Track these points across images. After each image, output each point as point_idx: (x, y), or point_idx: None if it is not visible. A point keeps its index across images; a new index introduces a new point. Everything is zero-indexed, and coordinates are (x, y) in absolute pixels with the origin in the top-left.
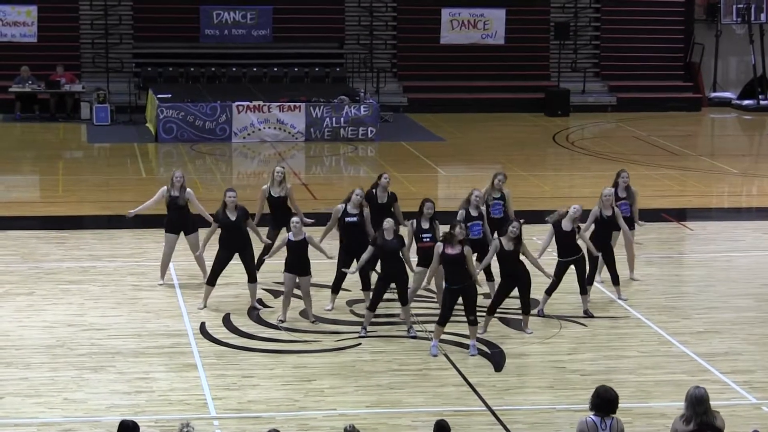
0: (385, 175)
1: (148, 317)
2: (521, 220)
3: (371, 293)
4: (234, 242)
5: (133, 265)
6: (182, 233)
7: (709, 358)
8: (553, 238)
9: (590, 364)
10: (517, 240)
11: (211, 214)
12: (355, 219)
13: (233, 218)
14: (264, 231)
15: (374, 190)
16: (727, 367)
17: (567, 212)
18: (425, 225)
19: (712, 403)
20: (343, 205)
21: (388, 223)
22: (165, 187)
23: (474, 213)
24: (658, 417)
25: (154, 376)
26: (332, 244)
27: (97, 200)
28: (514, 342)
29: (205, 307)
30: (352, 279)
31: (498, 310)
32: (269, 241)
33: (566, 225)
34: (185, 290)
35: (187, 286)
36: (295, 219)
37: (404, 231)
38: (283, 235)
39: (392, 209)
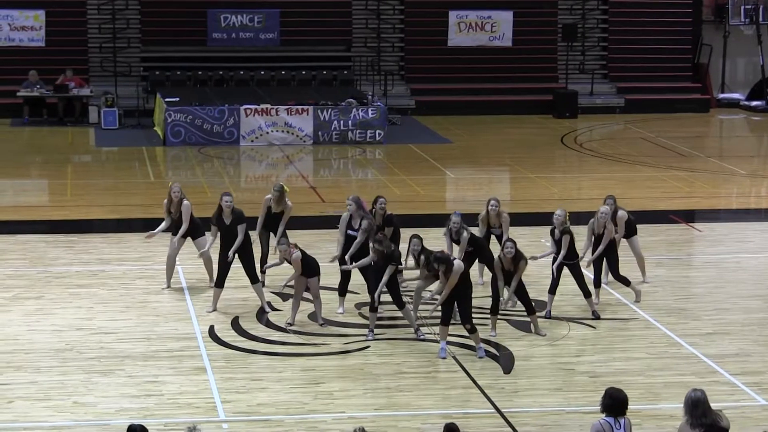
0: (381, 201)
1: (157, 321)
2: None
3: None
4: (231, 246)
5: (141, 268)
6: (189, 238)
7: (719, 359)
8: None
9: (599, 366)
10: (515, 258)
11: (205, 218)
12: (356, 233)
13: (228, 222)
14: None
15: (373, 210)
16: (736, 369)
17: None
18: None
19: (721, 405)
20: (348, 215)
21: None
22: (165, 201)
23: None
24: (667, 419)
25: (163, 379)
26: (335, 247)
27: (105, 204)
28: (522, 344)
29: (214, 310)
30: (360, 281)
31: (503, 314)
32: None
33: (556, 233)
34: (194, 293)
35: (196, 289)
36: (282, 246)
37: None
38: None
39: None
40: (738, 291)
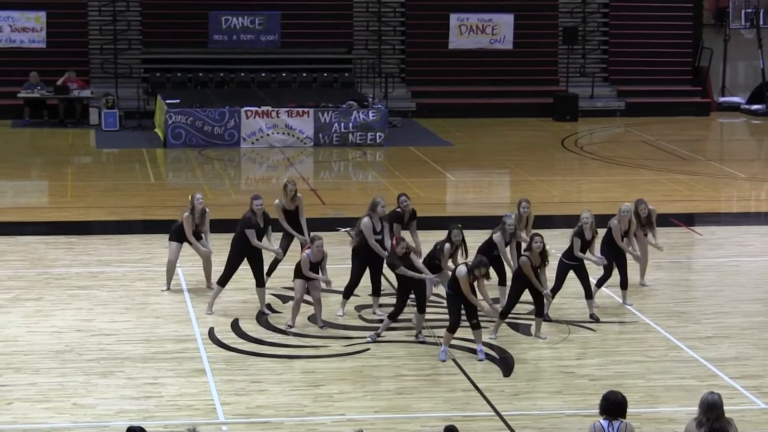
0: (402, 198)
1: (156, 322)
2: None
3: (395, 300)
4: (253, 247)
5: (141, 270)
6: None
7: (718, 363)
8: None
9: (599, 369)
10: (543, 252)
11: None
12: (381, 236)
13: (263, 225)
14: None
15: (398, 210)
16: (736, 372)
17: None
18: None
19: None
20: (369, 221)
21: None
22: (187, 213)
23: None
24: (666, 422)
25: (163, 381)
26: (339, 249)
27: (105, 206)
28: (522, 347)
29: (211, 312)
30: (362, 284)
31: (510, 316)
32: (280, 251)
33: (588, 234)
34: (194, 295)
35: (196, 291)
36: (318, 242)
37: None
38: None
39: (410, 228)
40: (738, 294)
